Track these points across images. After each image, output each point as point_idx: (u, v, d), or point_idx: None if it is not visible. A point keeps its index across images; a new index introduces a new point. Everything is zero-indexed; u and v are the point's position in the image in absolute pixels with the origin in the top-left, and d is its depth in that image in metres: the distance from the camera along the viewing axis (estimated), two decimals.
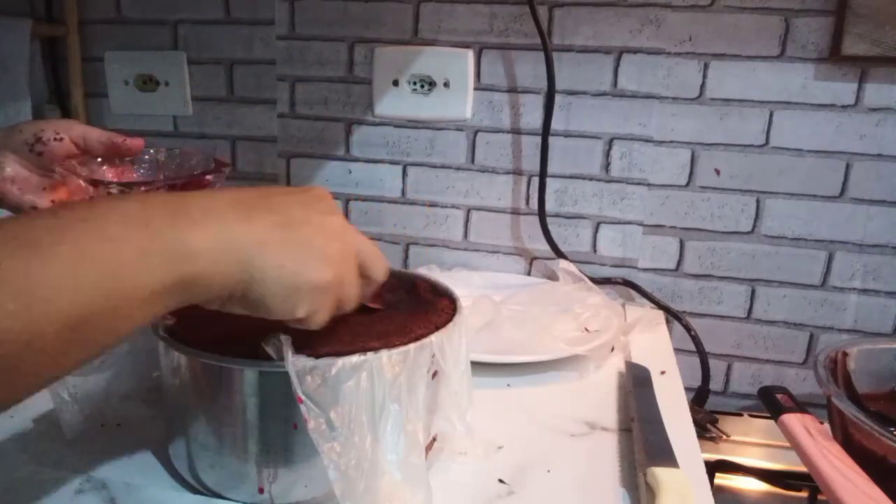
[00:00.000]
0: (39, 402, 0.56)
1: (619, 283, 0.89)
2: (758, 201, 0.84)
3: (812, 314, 0.86)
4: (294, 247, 0.37)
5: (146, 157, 0.60)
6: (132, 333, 0.33)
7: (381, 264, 0.43)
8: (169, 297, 0.33)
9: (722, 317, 0.88)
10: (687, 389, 0.67)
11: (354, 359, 0.40)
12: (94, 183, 0.54)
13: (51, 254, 0.29)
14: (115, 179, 0.57)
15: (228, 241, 0.35)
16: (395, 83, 0.90)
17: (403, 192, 0.94)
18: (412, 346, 0.43)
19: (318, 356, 0.40)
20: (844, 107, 0.79)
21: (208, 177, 0.56)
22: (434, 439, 0.50)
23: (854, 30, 0.75)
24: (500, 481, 0.49)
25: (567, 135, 0.87)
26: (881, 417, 0.57)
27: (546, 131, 0.86)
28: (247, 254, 0.35)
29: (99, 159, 0.56)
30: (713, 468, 0.71)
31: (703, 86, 0.82)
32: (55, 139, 0.53)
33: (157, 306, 0.33)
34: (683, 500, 0.44)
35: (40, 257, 0.29)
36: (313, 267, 0.37)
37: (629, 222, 0.88)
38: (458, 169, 0.92)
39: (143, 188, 0.54)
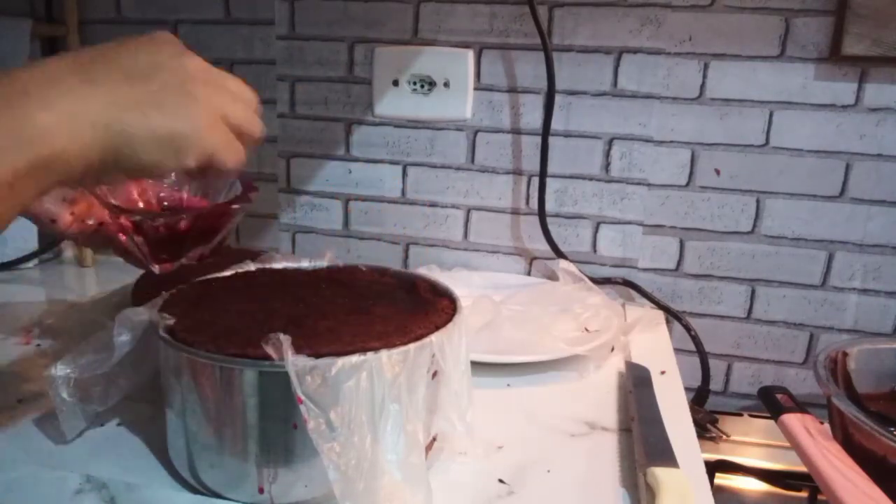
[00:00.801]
0: (39, 402, 0.56)
1: (619, 283, 0.89)
2: (758, 201, 0.84)
3: (812, 314, 0.86)
4: (153, 95, 0.34)
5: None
6: (3, 228, 0.31)
7: (250, 94, 0.40)
8: (30, 183, 0.31)
9: (722, 317, 0.88)
10: (687, 389, 0.67)
11: (354, 359, 0.40)
12: (112, 207, 0.54)
13: None
14: (137, 196, 0.57)
15: (77, 109, 0.32)
16: (395, 83, 0.90)
17: (403, 192, 0.94)
18: (412, 346, 0.43)
19: (318, 356, 0.40)
20: (844, 107, 0.79)
21: (234, 206, 0.55)
22: (434, 439, 0.50)
23: (854, 30, 0.75)
24: (500, 481, 0.49)
25: (567, 135, 0.87)
26: (881, 417, 0.57)
27: (546, 131, 0.86)
28: (103, 117, 0.32)
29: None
30: (713, 468, 0.71)
31: (703, 86, 0.82)
32: None
33: (20, 194, 0.31)
34: (683, 500, 0.44)
35: None
36: (181, 112, 0.35)
37: (629, 222, 0.88)
38: (458, 169, 0.92)
39: (160, 220, 0.53)
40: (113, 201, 0.54)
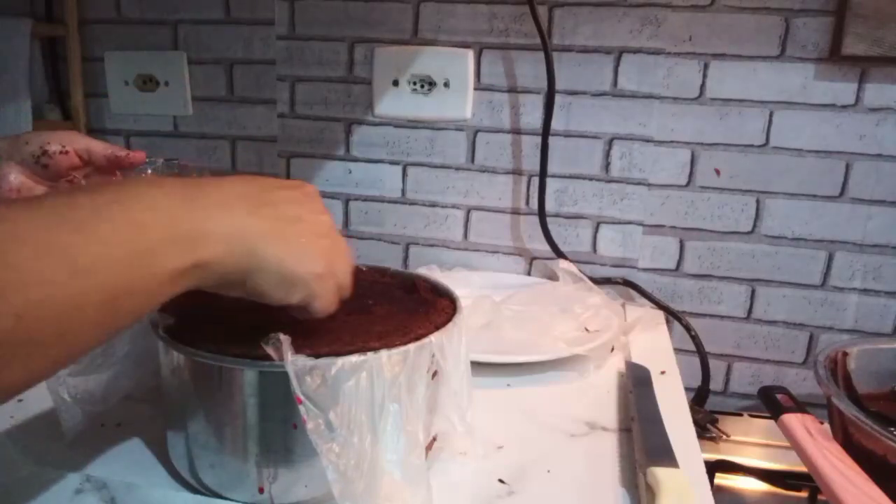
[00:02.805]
0: (39, 402, 0.56)
1: (619, 283, 0.89)
2: (758, 201, 0.84)
3: (812, 314, 0.86)
4: (291, 240, 0.40)
5: (148, 169, 0.60)
6: (152, 310, 0.38)
7: (349, 280, 0.46)
8: (185, 279, 0.36)
9: (722, 317, 0.88)
10: (687, 389, 0.67)
11: (354, 359, 0.40)
12: None
13: (92, 232, 0.32)
14: None
15: (238, 230, 0.38)
16: (395, 83, 0.90)
17: (403, 192, 0.94)
18: (412, 346, 0.43)
19: (317, 356, 0.40)
20: (844, 107, 0.79)
21: None
22: (434, 439, 0.50)
23: (854, 30, 0.75)
24: (500, 481, 0.49)
25: (567, 135, 0.87)
26: (881, 417, 0.57)
27: (546, 131, 0.86)
28: (252, 243, 0.38)
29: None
30: (713, 468, 0.71)
31: (703, 86, 0.82)
32: (61, 152, 0.54)
33: (175, 286, 0.36)
34: (683, 500, 0.44)
35: (83, 234, 0.32)
36: (306, 258, 0.41)
37: (629, 222, 0.88)
38: (458, 169, 0.92)
39: None
40: None
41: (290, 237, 0.41)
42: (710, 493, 0.48)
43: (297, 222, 0.42)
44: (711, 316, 0.89)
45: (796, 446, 0.57)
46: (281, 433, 0.42)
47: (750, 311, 0.87)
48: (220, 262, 0.37)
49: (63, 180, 0.54)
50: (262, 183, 0.43)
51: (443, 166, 0.92)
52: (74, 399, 0.49)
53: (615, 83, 0.85)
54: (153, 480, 0.47)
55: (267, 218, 0.40)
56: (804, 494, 0.69)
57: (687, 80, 0.83)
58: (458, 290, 0.54)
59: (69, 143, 0.54)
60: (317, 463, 0.39)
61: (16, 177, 0.53)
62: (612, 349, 0.72)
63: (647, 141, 0.85)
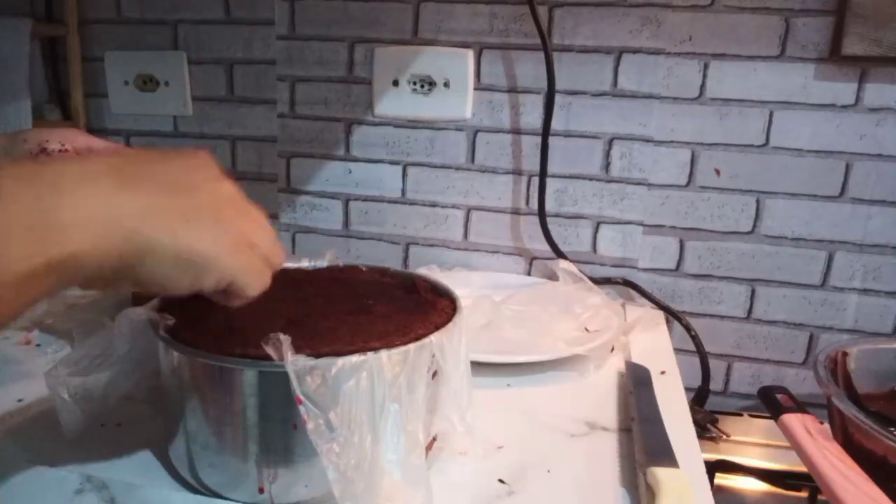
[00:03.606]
0: (39, 402, 0.56)
1: (619, 283, 0.89)
2: (758, 201, 0.84)
3: (812, 314, 0.86)
4: (184, 213, 0.34)
5: None
6: (13, 319, 0.30)
7: (275, 240, 0.40)
8: (44, 281, 0.30)
9: (722, 317, 0.88)
10: (687, 389, 0.67)
11: (354, 359, 0.40)
12: None
13: None
14: None
15: (106, 212, 0.31)
16: (395, 83, 0.90)
17: (403, 192, 0.94)
18: (412, 346, 0.43)
19: (317, 356, 0.40)
20: (844, 107, 0.79)
21: None
22: (434, 439, 0.50)
23: (854, 30, 0.75)
24: (500, 481, 0.49)
25: (567, 135, 0.87)
26: (881, 417, 0.57)
27: (546, 131, 0.86)
28: (129, 225, 0.32)
29: None
30: (713, 468, 0.71)
31: (703, 86, 0.82)
32: (60, 150, 0.53)
33: (31, 293, 0.30)
34: (683, 500, 0.44)
35: None
36: (207, 234, 0.34)
37: (629, 222, 0.88)
38: (458, 169, 0.92)
39: None
40: None
41: (180, 210, 0.33)
42: (710, 493, 0.48)
43: (188, 190, 0.34)
44: (711, 316, 0.89)
45: (796, 446, 0.57)
46: (281, 433, 0.42)
47: (750, 311, 0.87)
48: (83, 255, 0.30)
49: None
50: (138, 153, 0.36)
51: (443, 166, 0.92)
52: (74, 399, 0.49)
53: (615, 83, 0.85)
54: (153, 480, 0.47)
55: (145, 191, 0.33)
56: (804, 494, 0.69)
57: (687, 80, 0.83)
58: (458, 290, 0.54)
59: (69, 141, 0.54)
60: (317, 463, 0.39)
61: None
62: (612, 349, 0.72)
63: (647, 141, 0.85)
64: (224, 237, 0.35)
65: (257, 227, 0.38)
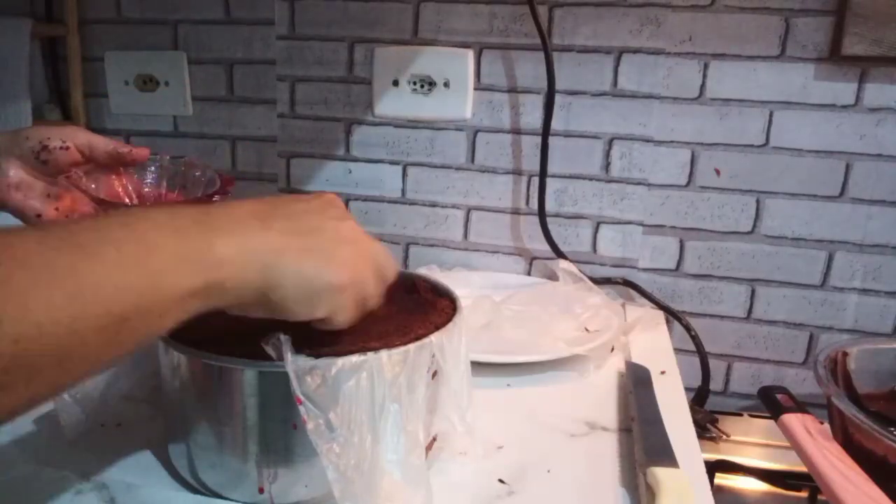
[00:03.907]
0: None
1: (619, 283, 0.89)
2: (758, 201, 0.84)
3: (812, 314, 0.86)
4: (310, 252, 0.39)
5: (151, 166, 0.60)
6: (162, 334, 0.36)
7: (392, 264, 0.45)
8: (196, 301, 0.35)
9: (722, 317, 0.88)
10: (687, 389, 0.67)
11: (354, 359, 0.40)
12: (99, 202, 0.54)
13: (95, 255, 0.32)
14: (121, 191, 0.57)
15: (249, 248, 0.37)
16: (395, 83, 0.90)
17: (403, 192, 0.94)
18: (412, 346, 0.43)
19: (317, 356, 0.40)
20: (844, 107, 0.79)
21: (215, 197, 0.57)
22: (434, 439, 0.50)
23: (854, 30, 0.75)
24: (500, 481, 0.49)
25: (567, 135, 0.87)
26: (881, 417, 0.57)
27: (546, 131, 0.86)
28: (266, 261, 0.37)
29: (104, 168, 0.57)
30: (713, 468, 0.71)
31: (703, 86, 0.82)
32: (61, 147, 0.53)
33: (186, 309, 0.35)
34: (683, 500, 0.44)
35: (86, 257, 0.31)
36: (329, 270, 0.39)
37: (629, 222, 0.88)
38: (458, 169, 0.92)
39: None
40: (99, 195, 0.55)
41: (307, 249, 0.39)
42: (710, 493, 0.48)
43: (314, 232, 0.40)
44: (711, 316, 0.89)
45: (796, 446, 0.57)
46: (281, 433, 0.42)
47: (750, 311, 0.87)
48: (230, 283, 0.36)
49: (62, 176, 0.54)
50: (275, 200, 0.42)
51: (443, 166, 0.92)
52: (74, 399, 0.49)
53: (615, 83, 0.85)
54: (153, 480, 0.47)
55: (281, 232, 0.39)
56: (804, 494, 0.69)
57: (687, 80, 0.83)
58: (458, 290, 0.54)
59: (70, 139, 0.54)
60: (317, 463, 0.39)
61: (15, 172, 0.53)
62: (612, 349, 0.72)
63: (647, 141, 0.85)
64: (340, 275, 0.39)
65: (368, 265, 0.42)
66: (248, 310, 0.39)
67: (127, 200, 0.57)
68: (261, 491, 0.43)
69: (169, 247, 0.34)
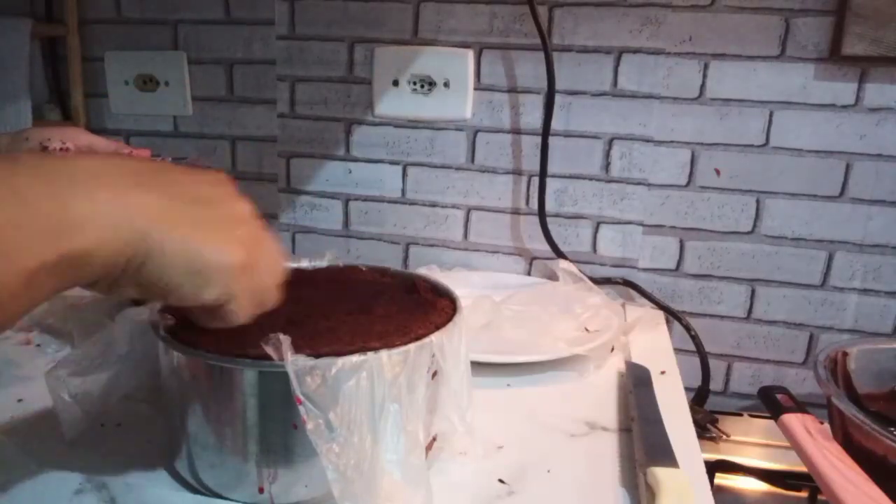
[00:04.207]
0: (39, 402, 0.56)
1: (619, 283, 0.89)
2: (758, 201, 0.84)
3: (812, 314, 0.86)
4: (199, 223, 0.33)
5: None
6: (19, 317, 0.29)
7: (283, 261, 0.40)
8: (52, 278, 0.29)
9: (722, 317, 0.88)
10: (687, 389, 0.67)
11: (354, 359, 0.40)
12: None
13: None
14: None
15: (119, 209, 0.30)
16: (395, 83, 0.90)
17: (403, 192, 0.94)
18: (412, 346, 0.43)
19: (317, 356, 0.40)
20: (844, 107, 0.79)
21: None
22: (434, 439, 0.50)
23: (854, 30, 0.75)
24: (500, 481, 0.49)
25: (567, 135, 0.87)
26: (881, 417, 0.57)
27: (546, 131, 0.86)
28: (143, 225, 0.31)
29: None
30: (713, 468, 0.71)
31: (703, 86, 0.82)
32: (61, 149, 0.53)
33: (40, 290, 0.29)
34: (683, 500, 0.44)
35: None
36: (221, 245, 0.33)
37: (629, 222, 0.88)
38: (458, 169, 0.92)
39: None
40: None
41: (194, 218, 0.32)
42: (710, 493, 0.48)
43: (205, 203, 0.34)
44: (711, 316, 0.89)
45: (796, 446, 0.57)
46: (281, 433, 0.42)
47: (750, 311, 0.87)
48: (98, 252, 0.29)
49: None
50: (158, 164, 0.35)
51: (443, 166, 0.92)
52: (74, 399, 0.49)
53: (615, 83, 0.85)
54: (153, 480, 0.47)
55: (164, 194, 0.32)
56: (804, 494, 0.69)
57: (687, 80, 0.83)
58: (458, 290, 0.54)
59: (70, 140, 0.54)
60: (317, 463, 0.39)
61: None
62: (612, 349, 0.72)
63: (647, 141, 0.85)
64: (234, 255, 0.34)
65: (266, 254, 0.37)
66: (118, 286, 0.32)
67: None
68: (261, 491, 0.43)
69: (8, 213, 0.27)
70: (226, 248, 0.33)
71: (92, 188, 0.30)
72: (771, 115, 0.81)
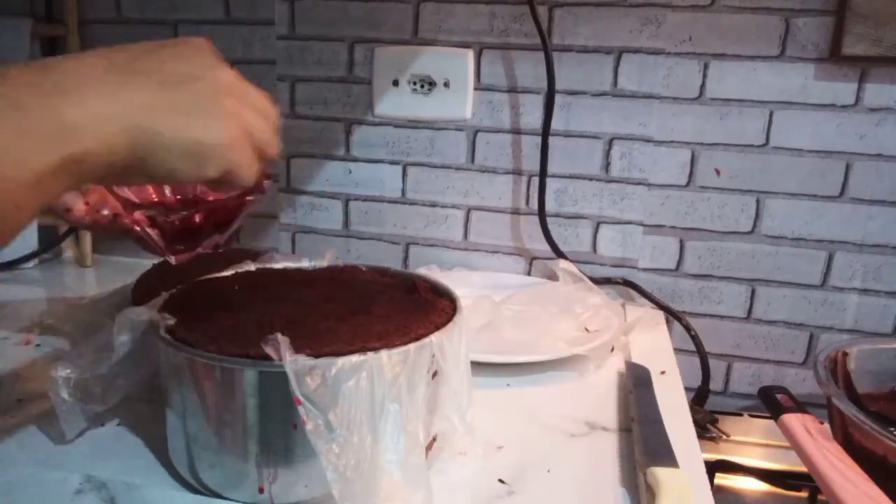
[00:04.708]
0: (39, 402, 0.56)
1: (619, 283, 0.89)
2: (758, 201, 0.84)
3: (812, 314, 0.86)
4: (186, 106, 0.35)
5: None
6: (27, 224, 0.31)
7: (274, 110, 0.42)
8: (58, 180, 0.31)
9: (722, 317, 0.88)
10: (687, 389, 0.67)
11: (354, 359, 0.40)
12: (124, 203, 0.54)
13: None
14: (152, 191, 0.57)
15: (111, 110, 0.32)
16: (395, 83, 0.90)
17: (403, 192, 0.94)
18: (412, 346, 0.43)
19: (317, 356, 0.40)
20: (844, 107, 0.79)
21: (249, 197, 0.55)
22: (434, 439, 0.50)
23: (854, 30, 0.75)
24: (500, 481, 0.49)
25: (567, 135, 0.87)
26: (881, 417, 0.57)
27: (546, 131, 0.86)
28: (131, 123, 0.33)
29: None
30: (713, 468, 0.71)
31: (703, 86, 0.82)
32: None
33: (47, 191, 0.31)
34: (683, 500, 0.44)
35: None
36: (211, 124, 0.35)
37: (629, 222, 0.88)
38: (458, 169, 0.92)
39: (175, 216, 0.53)
40: (127, 195, 0.54)
41: (183, 101, 0.34)
42: (710, 493, 0.48)
43: (187, 82, 0.35)
44: (711, 316, 0.89)
45: (796, 446, 0.57)
46: (281, 433, 0.42)
47: (750, 311, 0.87)
48: (94, 152, 0.31)
49: None
50: (133, 47, 0.36)
51: (443, 166, 0.92)
52: (74, 399, 0.49)
53: (615, 83, 0.85)
54: (153, 480, 0.47)
55: (147, 85, 0.34)
56: (804, 494, 0.69)
57: (687, 80, 0.83)
58: (458, 290, 0.54)
59: None
60: (317, 463, 0.39)
61: None
62: (612, 349, 0.72)
63: (647, 141, 0.85)
64: (225, 127, 0.36)
65: (255, 114, 0.39)
66: (127, 178, 0.35)
67: (155, 199, 0.57)
68: (261, 491, 0.43)
69: (7, 124, 0.29)
70: (217, 125, 0.35)
71: (81, 94, 0.32)
72: (771, 115, 0.81)
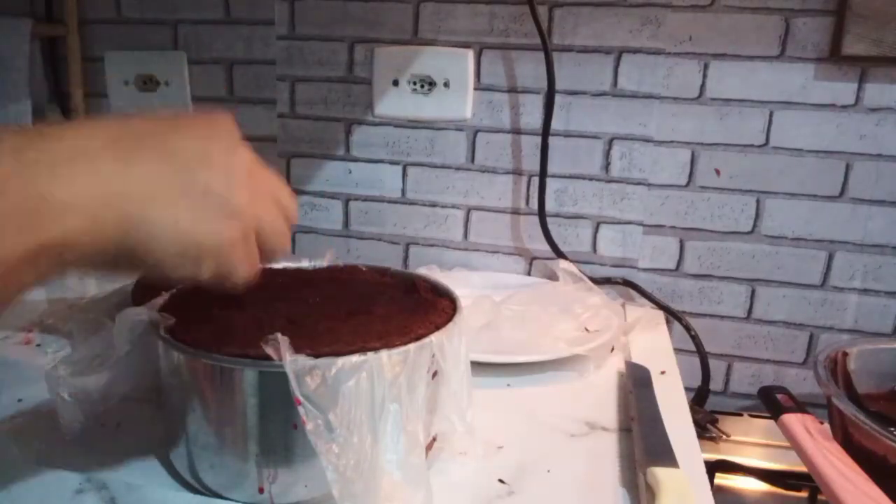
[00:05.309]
0: (39, 403, 0.56)
1: (619, 283, 0.89)
2: (758, 201, 0.84)
3: (812, 314, 0.86)
4: (191, 197, 0.30)
5: None
6: (2, 310, 0.27)
7: (295, 204, 0.37)
8: (36, 266, 0.27)
9: (722, 317, 0.88)
10: (687, 389, 0.67)
11: (354, 359, 0.40)
12: None
13: None
14: None
15: (104, 192, 0.28)
16: (395, 83, 0.90)
17: (403, 192, 0.94)
18: (412, 346, 0.43)
19: (317, 356, 0.40)
20: (844, 107, 0.79)
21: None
22: (434, 439, 0.50)
23: (854, 30, 0.75)
24: (500, 481, 0.49)
25: (567, 135, 0.87)
26: (881, 417, 0.57)
27: (546, 131, 0.86)
28: (129, 209, 0.29)
29: None
30: (713, 468, 0.71)
31: (703, 86, 0.82)
32: None
33: (24, 278, 0.27)
34: (683, 500, 0.44)
35: None
36: (213, 223, 0.31)
37: (629, 222, 0.88)
38: (458, 169, 0.92)
39: None
40: None
41: (187, 191, 0.30)
42: (710, 493, 0.48)
43: (199, 166, 0.31)
44: (711, 316, 0.89)
45: (796, 446, 0.57)
46: (281, 433, 0.42)
47: (750, 311, 0.87)
48: (82, 238, 0.27)
49: None
50: (149, 119, 0.31)
51: (443, 166, 0.92)
52: (74, 399, 0.49)
53: (615, 83, 0.85)
54: (153, 480, 0.47)
55: (151, 168, 0.29)
56: (804, 494, 0.69)
57: (687, 80, 0.83)
58: (458, 290, 0.54)
59: None
60: (317, 463, 0.39)
61: None
62: (612, 349, 0.72)
63: (647, 141, 0.85)
64: (228, 227, 0.32)
65: (269, 207, 0.35)
66: (114, 270, 0.31)
67: None
68: (261, 491, 0.43)
69: None
70: (219, 225, 0.31)
71: (71, 171, 0.27)
72: (771, 115, 0.81)
